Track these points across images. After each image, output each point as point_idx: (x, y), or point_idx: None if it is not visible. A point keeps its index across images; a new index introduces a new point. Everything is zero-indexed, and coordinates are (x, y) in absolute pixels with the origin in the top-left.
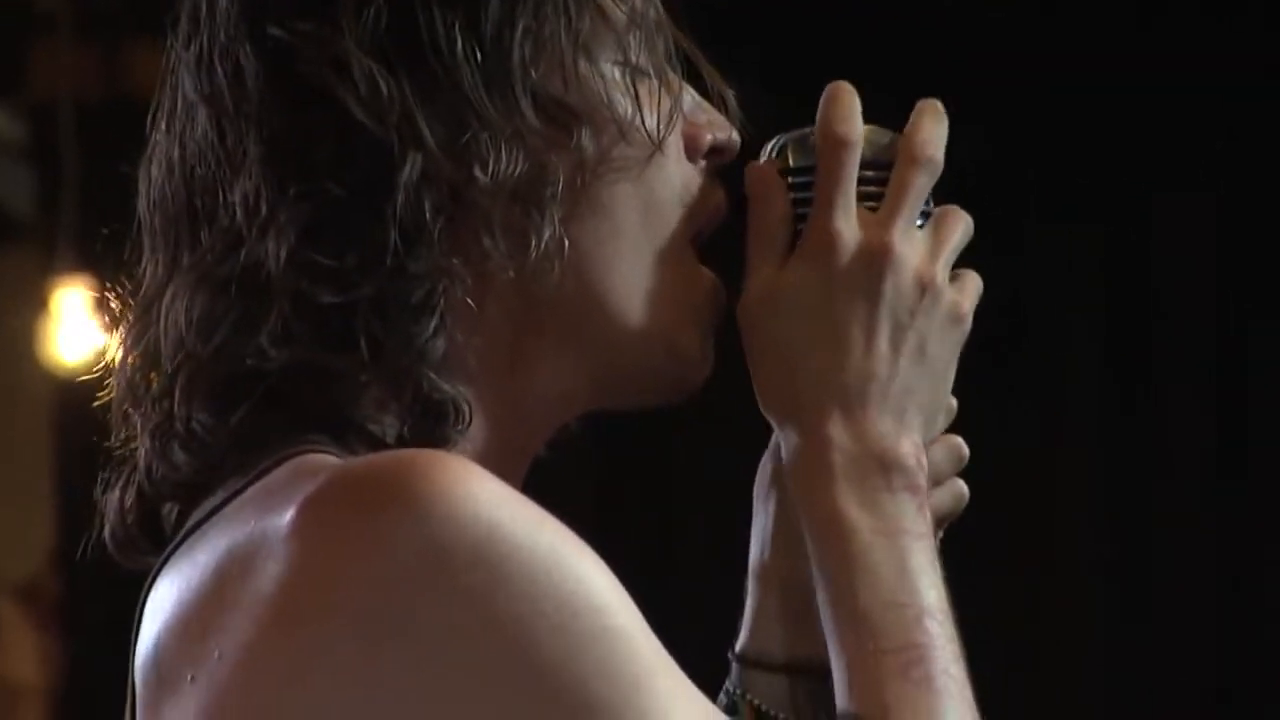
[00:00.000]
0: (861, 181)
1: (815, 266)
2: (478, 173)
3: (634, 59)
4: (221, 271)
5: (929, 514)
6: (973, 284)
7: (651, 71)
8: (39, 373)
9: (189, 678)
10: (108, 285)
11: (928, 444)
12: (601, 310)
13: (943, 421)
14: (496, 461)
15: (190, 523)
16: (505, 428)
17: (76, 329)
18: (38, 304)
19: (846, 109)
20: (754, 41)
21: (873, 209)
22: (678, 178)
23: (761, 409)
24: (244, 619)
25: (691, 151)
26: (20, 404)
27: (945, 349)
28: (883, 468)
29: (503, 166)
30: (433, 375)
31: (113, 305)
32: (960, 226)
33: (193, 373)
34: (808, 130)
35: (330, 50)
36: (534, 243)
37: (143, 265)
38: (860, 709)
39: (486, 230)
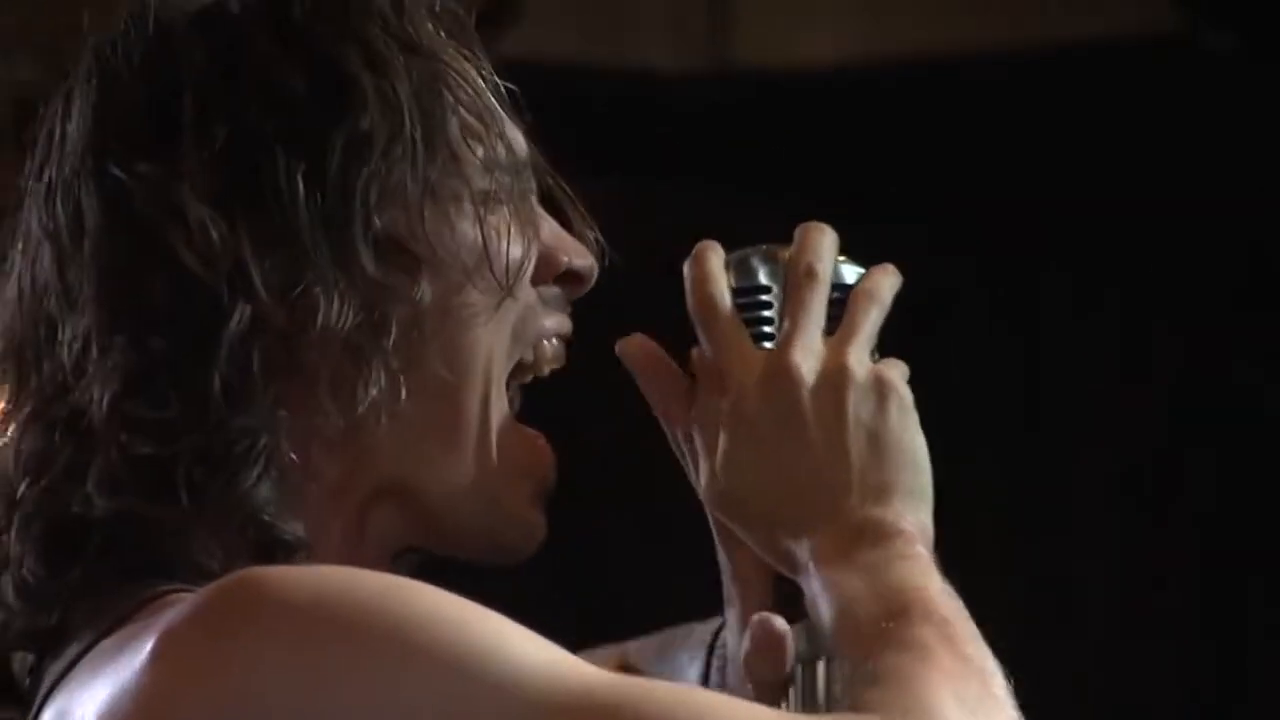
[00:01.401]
0: (745, 309)
1: (740, 425)
2: (309, 324)
3: (488, 199)
4: (52, 412)
5: (920, 545)
6: (896, 364)
7: (507, 211)
8: None
9: None
10: None
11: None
12: (433, 465)
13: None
14: None
15: (58, 668)
16: (345, 556)
17: None
18: None
19: (709, 271)
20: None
21: (767, 333)
22: (515, 313)
23: (783, 572)
24: None
25: (544, 272)
26: None
27: (892, 420)
28: (862, 537)
29: (335, 318)
30: (265, 518)
31: None
32: (872, 302)
33: (26, 513)
34: (749, 251)
35: (165, 193)
36: (361, 396)
37: None
38: (865, 664)
39: (316, 383)
